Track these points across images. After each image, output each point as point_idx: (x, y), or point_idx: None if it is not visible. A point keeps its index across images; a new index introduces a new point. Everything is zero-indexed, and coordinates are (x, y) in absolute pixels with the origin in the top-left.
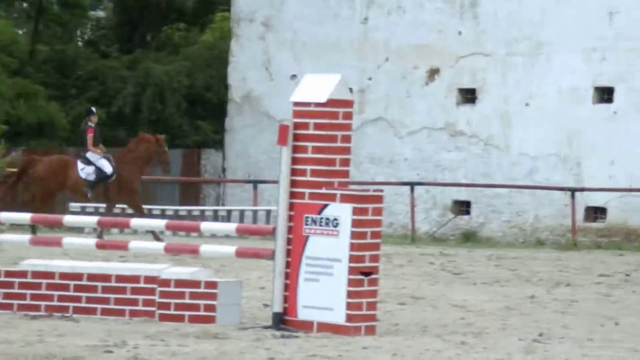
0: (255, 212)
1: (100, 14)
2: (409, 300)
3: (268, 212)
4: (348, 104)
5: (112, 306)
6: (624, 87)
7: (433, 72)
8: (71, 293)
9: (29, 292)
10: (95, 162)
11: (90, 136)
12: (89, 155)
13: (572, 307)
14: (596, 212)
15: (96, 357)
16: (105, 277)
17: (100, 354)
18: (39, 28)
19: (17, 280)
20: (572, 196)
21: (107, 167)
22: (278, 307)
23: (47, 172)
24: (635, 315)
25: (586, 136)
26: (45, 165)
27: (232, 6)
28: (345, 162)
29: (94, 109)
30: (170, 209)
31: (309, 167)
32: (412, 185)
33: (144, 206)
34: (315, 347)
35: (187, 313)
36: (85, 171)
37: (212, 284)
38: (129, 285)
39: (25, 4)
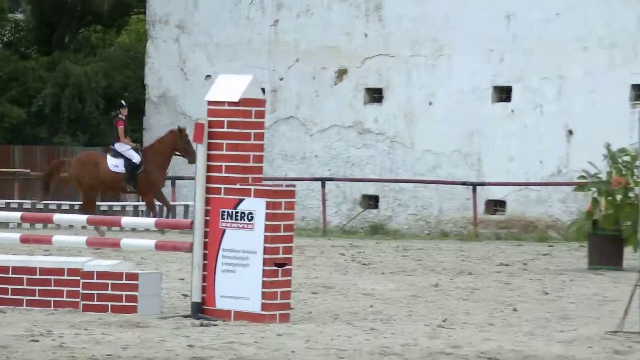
0: (173, 207)
1: (19, 16)
2: (321, 289)
3: (186, 207)
4: (260, 103)
5: (37, 298)
6: (520, 86)
7: (341, 73)
8: None
9: None
10: (124, 153)
11: (120, 128)
12: (118, 146)
13: (474, 295)
14: (496, 205)
15: (23, 346)
16: (30, 270)
17: (27, 343)
18: None
19: None
20: (474, 190)
21: (135, 157)
22: (197, 297)
23: (79, 171)
24: (532, 301)
25: (486, 133)
26: (76, 164)
27: (147, 9)
28: (259, 159)
29: (123, 102)
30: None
31: (224, 164)
32: (323, 180)
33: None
34: (232, 335)
35: (109, 303)
36: (114, 164)
37: (133, 276)
38: (53, 277)
39: None
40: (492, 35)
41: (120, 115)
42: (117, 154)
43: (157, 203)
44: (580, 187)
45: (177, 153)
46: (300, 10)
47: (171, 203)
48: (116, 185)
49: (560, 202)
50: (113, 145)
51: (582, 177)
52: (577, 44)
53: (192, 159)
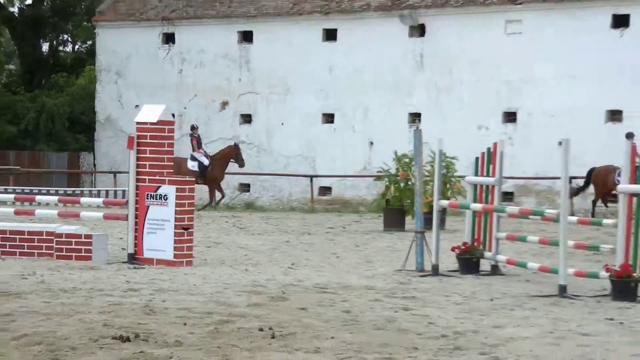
0: (115, 191)
1: (12, 66)
2: (213, 244)
3: (124, 191)
4: (171, 123)
5: (26, 250)
6: (340, 113)
7: (224, 104)
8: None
9: None
10: (198, 158)
11: (194, 143)
12: (194, 153)
13: (312, 247)
14: (325, 190)
15: (17, 282)
16: (21, 232)
17: (19, 280)
18: None
19: None
20: (311, 181)
21: (205, 161)
22: (131, 250)
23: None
24: (349, 251)
25: (319, 144)
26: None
27: (96, 61)
28: (171, 160)
29: (195, 125)
30: (61, 189)
31: (147, 163)
32: None
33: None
34: (155, 274)
35: (74, 254)
36: (192, 165)
37: (89, 236)
38: (36, 237)
39: None
40: (322, 80)
41: (193, 134)
42: (194, 159)
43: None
44: (378, 178)
45: (232, 160)
46: (197, 63)
47: (114, 189)
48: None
49: (366, 188)
50: (191, 152)
51: (380, 172)
52: (373, 85)
53: (241, 164)
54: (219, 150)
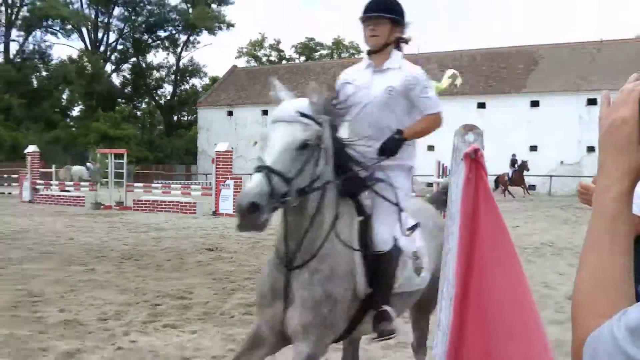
0: (207, 183)
1: (160, 127)
2: None
3: (209, 183)
4: (230, 152)
5: (168, 209)
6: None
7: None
8: None
9: None
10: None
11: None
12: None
13: None
14: None
15: (162, 224)
16: (165, 201)
17: (164, 222)
18: None
19: None
20: None
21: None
22: (214, 209)
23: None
24: None
25: None
26: None
27: (198, 123)
28: (230, 167)
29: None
30: (181, 182)
31: (220, 169)
32: None
33: None
34: (225, 220)
35: (188, 211)
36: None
37: (194, 203)
38: (171, 203)
39: None
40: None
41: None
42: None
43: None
44: None
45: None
46: (245, 124)
47: (205, 181)
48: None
49: None
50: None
51: None
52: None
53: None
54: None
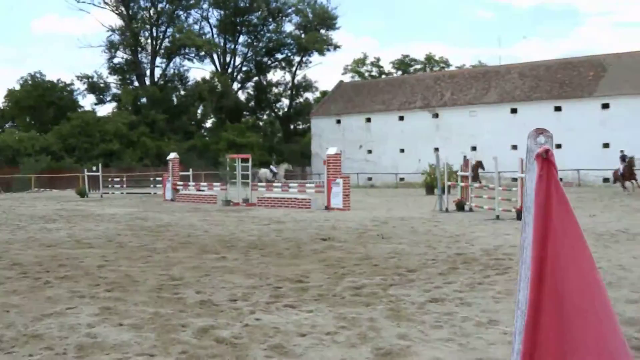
0: (319, 181)
1: (280, 134)
2: (355, 202)
3: (322, 181)
4: (338, 155)
5: (284, 205)
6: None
7: (360, 146)
8: None
9: None
10: None
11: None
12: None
13: (397, 202)
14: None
15: (282, 217)
16: (283, 198)
17: (284, 216)
18: None
19: None
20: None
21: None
22: (326, 204)
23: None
24: (412, 203)
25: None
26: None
27: (311, 130)
28: (337, 167)
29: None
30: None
31: (331, 170)
32: None
33: None
34: (336, 214)
35: (304, 206)
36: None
37: (309, 199)
38: (289, 200)
39: None
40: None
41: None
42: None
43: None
44: (424, 173)
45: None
46: (349, 129)
47: (318, 180)
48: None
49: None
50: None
51: (424, 171)
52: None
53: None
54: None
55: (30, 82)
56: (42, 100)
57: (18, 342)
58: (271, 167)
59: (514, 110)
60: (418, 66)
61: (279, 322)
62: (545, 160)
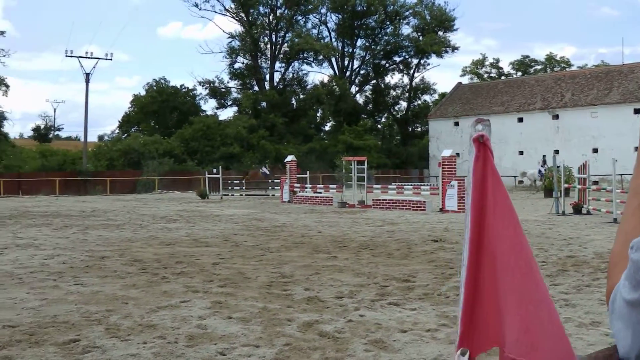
0: (431, 184)
1: (398, 137)
2: None
3: (436, 184)
4: (454, 157)
5: (401, 207)
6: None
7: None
8: None
9: None
10: None
11: None
12: None
13: (518, 205)
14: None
15: (397, 219)
16: (397, 200)
17: (399, 218)
18: None
19: None
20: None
21: None
22: (440, 206)
23: None
24: (530, 205)
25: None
26: None
27: (429, 133)
28: (454, 169)
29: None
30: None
31: (446, 172)
32: None
33: None
34: (450, 216)
35: (419, 209)
36: None
37: (424, 202)
38: (404, 202)
39: None
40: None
41: None
42: None
43: None
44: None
45: None
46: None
47: (432, 183)
48: None
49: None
50: None
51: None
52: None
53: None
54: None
55: (154, 88)
56: (165, 105)
57: (134, 331)
58: (539, 167)
59: (637, 111)
60: (538, 67)
61: (381, 319)
62: (482, 144)
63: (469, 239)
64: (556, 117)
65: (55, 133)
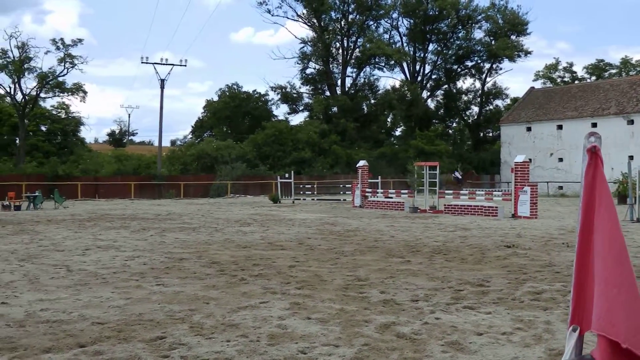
0: (507, 190)
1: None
2: (542, 210)
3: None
4: (526, 163)
5: (465, 212)
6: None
7: (551, 154)
8: None
9: None
10: None
11: None
12: None
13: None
14: None
15: (462, 223)
16: (468, 205)
17: (464, 221)
18: None
19: None
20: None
21: None
22: (513, 212)
23: None
24: None
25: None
26: None
27: (501, 137)
28: (527, 175)
29: None
30: (484, 189)
31: (518, 177)
32: None
33: None
34: (523, 222)
35: (491, 214)
36: None
37: (496, 207)
38: (474, 208)
39: None
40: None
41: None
42: None
43: None
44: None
45: None
46: (536, 139)
47: (508, 189)
48: None
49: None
50: None
51: (617, 180)
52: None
53: None
54: None
55: (227, 93)
56: (238, 110)
57: (217, 329)
58: (456, 173)
59: None
60: (613, 71)
61: (457, 322)
62: (594, 153)
63: (579, 231)
64: (631, 122)
65: (130, 138)
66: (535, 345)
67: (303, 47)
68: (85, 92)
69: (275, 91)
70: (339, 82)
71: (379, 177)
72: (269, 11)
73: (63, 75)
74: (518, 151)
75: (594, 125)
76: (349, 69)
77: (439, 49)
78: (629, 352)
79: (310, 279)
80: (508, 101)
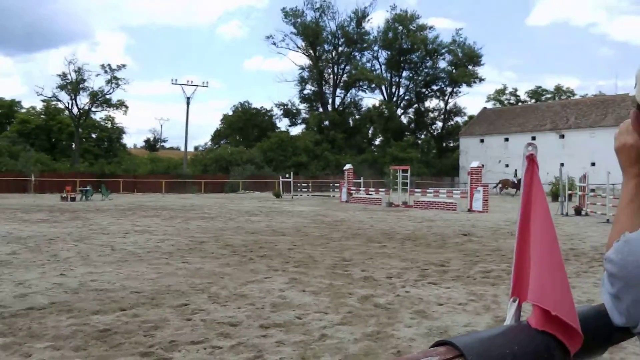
0: (460, 190)
1: (435, 150)
2: (493, 207)
3: (462, 190)
4: (479, 169)
5: (438, 208)
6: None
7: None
8: None
9: None
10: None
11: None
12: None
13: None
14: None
15: (431, 217)
16: (438, 202)
17: (433, 217)
18: None
19: None
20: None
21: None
22: (469, 206)
23: None
24: None
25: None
26: None
27: (460, 148)
28: (485, 179)
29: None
30: (446, 189)
31: (473, 178)
32: None
33: None
34: (476, 215)
35: (451, 209)
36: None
37: (454, 204)
38: (441, 204)
39: None
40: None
41: None
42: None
43: None
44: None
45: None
46: (499, 149)
47: (463, 189)
48: None
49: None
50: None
51: (551, 182)
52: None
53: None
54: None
55: (240, 109)
56: (248, 122)
57: (230, 299)
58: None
59: None
60: (548, 95)
61: (423, 295)
62: (531, 159)
63: (519, 223)
64: (562, 136)
65: (161, 144)
66: (485, 314)
67: (301, 72)
68: (127, 107)
69: (278, 107)
70: (330, 101)
71: (362, 178)
72: (274, 43)
73: (110, 94)
74: (473, 158)
75: (534, 138)
76: (338, 90)
77: (410, 75)
78: (557, 318)
79: (305, 259)
80: (466, 118)
